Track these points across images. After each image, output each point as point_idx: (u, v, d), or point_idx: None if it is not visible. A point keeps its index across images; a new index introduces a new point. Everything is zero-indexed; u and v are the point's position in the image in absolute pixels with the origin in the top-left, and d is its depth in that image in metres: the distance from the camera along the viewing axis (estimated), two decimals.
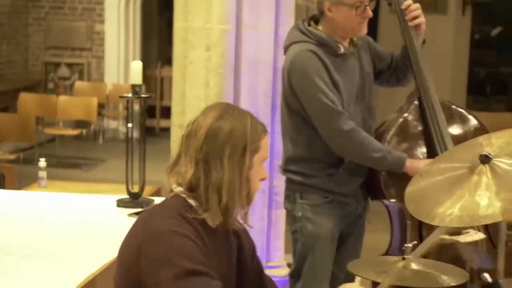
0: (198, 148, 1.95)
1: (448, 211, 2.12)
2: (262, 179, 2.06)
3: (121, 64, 10.56)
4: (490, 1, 9.48)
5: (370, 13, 3.00)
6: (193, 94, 3.73)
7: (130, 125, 3.09)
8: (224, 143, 1.94)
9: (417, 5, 3.17)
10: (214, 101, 3.24)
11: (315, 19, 3.09)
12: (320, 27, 3.06)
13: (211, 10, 3.61)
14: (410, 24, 3.13)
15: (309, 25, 3.07)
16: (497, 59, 12.01)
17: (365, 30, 3.06)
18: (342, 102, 2.98)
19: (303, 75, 2.95)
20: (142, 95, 3.03)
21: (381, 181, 3.05)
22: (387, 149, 2.99)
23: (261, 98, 3.77)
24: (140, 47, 10.74)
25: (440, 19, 8.19)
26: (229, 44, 3.63)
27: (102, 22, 10.61)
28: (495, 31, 12.84)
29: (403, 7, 3.15)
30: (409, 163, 2.95)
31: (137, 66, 3.01)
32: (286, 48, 3.09)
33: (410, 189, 2.25)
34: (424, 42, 3.17)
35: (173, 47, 3.89)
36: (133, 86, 3.01)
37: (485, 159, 2.15)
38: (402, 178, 2.83)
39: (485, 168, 2.15)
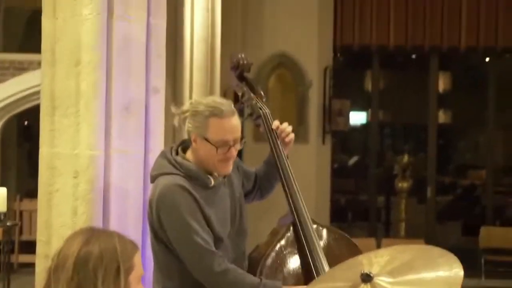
0: (68, 279, 1.85)
1: None
2: None
3: None
4: (347, 130, 9.87)
5: (233, 154, 2.93)
6: (59, 223, 3.57)
7: None
8: (95, 268, 1.86)
9: (286, 123, 3.21)
10: None
11: (183, 147, 3.03)
12: (188, 154, 2.99)
13: (78, 135, 3.52)
14: (286, 140, 3.15)
15: (177, 153, 3.00)
16: (356, 187, 12.42)
17: (228, 169, 2.97)
18: (215, 237, 2.90)
19: (172, 212, 2.85)
20: (8, 223, 2.87)
21: None
22: (262, 282, 2.88)
23: (131, 225, 3.65)
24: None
25: (302, 148, 8.42)
26: (97, 170, 3.52)
27: None
28: (352, 160, 13.34)
29: (273, 127, 3.17)
30: None
31: (1, 193, 2.87)
32: (153, 179, 2.99)
33: None
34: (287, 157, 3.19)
35: (38, 174, 3.74)
36: None
37: (366, 278, 2.13)
38: None
39: (367, 287, 2.13)
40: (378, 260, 2.21)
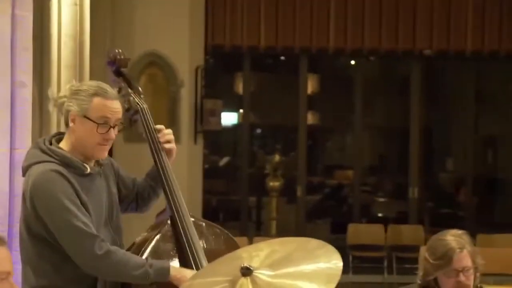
0: None
1: None
2: None
3: None
4: (220, 130, 9.84)
5: (112, 136, 2.89)
6: None
7: None
8: None
9: (170, 130, 3.16)
10: None
11: (58, 138, 2.93)
12: (62, 144, 2.89)
13: None
14: (165, 146, 3.10)
15: (51, 144, 2.89)
16: (227, 187, 12.43)
17: (105, 153, 2.94)
18: (92, 225, 2.81)
19: (49, 197, 2.74)
20: None
21: None
22: (148, 262, 2.83)
23: None
24: None
25: None
26: None
27: None
28: (223, 160, 13.35)
29: (157, 127, 3.11)
30: (174, 271, 2.83)
31: None
32: (25, 169, 2.87)
33: None
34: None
35: None
36: None
37: (246, 272, 2.09)
38: None
39: (247, 281, 2.09)
40: (257, 253, 2.18)
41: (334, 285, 2.04)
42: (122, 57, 3.21)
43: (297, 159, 10.21)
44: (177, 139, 8.57)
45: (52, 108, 2.95)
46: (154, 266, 2.82)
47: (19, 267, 2.95)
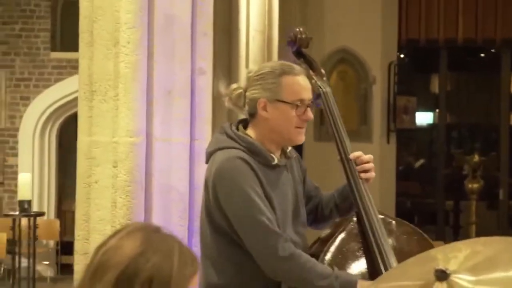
0: None
1: None
2: None
3: (35, 198, 9.98)
4: (414, 128, 9.39)
5: (310, 115, 2.66)
6: (98, 217, 3.29)
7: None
8: None
9: (370, 156, 2.82)
10: (121, 224, 2.82)
11: (244, 124, 2.72)
12: (249, 131, 2.67)
13: (118, 121, 3.24)
14: (362, 176, 2.78)
15: (237, 129, 2.68)
16: (422, 189, 11.93)
17: (302, 137, 2.69)
18: (277, 222, 2.57)
19: (233, 186, 2.53)
20: (31, 213, 2.58)
21: None
22: (334, 273, 2.55)
23: (175, 220, 3.34)
24: (56, 180, 10.22)
25: (365, 147, 7.94)
26: (138, 159, 3.23)
27: (15, 155, 10.12)
28: (417, 162, 12.84)
29: (351, 157, 2.79)
30: (360, 286, 2.52)
31: (25, 179, 2.58)
32: (209, 155, 2.67)
33: None
34: None
35: (77, 165, 3.48)
36: (21, 202, 2.56)
37: (441, 275, 1.76)
38: None
39: (442, 286, 1.76)
40: (455, 254, 1.82)
41: None
42: (303, 36, 2.95)
43: (499, 160, 9.55)
44: (369, 138, 8.42)
45: (227, 104, 2.72)
46: (340, 279, 2.55)
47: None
